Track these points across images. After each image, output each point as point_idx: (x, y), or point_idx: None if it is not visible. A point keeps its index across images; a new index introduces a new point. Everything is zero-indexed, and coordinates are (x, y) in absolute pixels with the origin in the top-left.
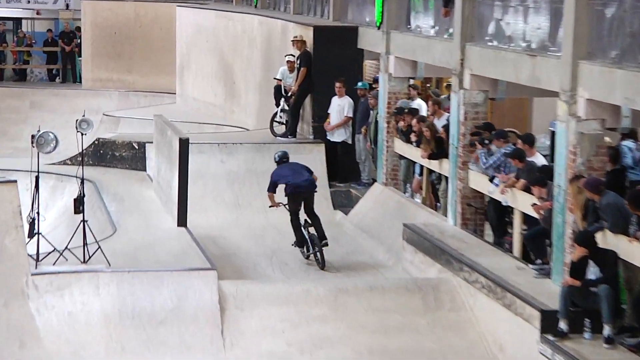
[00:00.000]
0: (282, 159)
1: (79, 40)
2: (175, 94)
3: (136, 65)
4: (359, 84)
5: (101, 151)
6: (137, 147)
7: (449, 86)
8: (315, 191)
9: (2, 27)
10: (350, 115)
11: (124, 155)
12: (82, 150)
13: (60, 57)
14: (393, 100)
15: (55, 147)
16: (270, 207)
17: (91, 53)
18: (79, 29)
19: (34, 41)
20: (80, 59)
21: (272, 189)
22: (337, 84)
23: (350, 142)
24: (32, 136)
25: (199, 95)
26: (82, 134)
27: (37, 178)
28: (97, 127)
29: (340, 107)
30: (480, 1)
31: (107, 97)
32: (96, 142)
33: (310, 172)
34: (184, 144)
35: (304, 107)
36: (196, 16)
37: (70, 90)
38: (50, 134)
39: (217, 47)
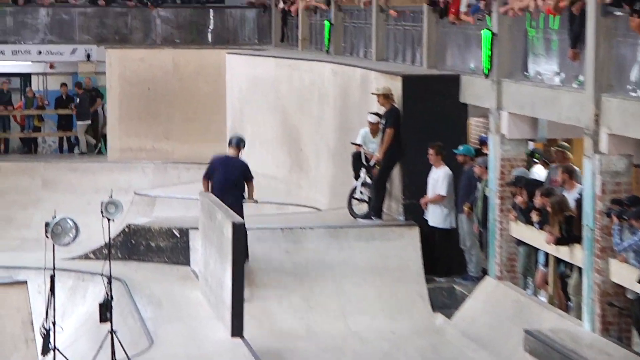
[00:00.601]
0: (233, 143)
1: (103, 101)
2: None
3: (175, 129)
4: (461, 148)
5: (133, 241)
6: (178, 235)
7: (562, 149)
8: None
9: (7, 85)
10: (444, 193)
11: (161, 245)
12: (109, 241)
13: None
14: (507, 169)
15: (74, 238)
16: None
17: (119, 115)
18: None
19: (46, 102)
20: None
21: (206, 176)
22: (431, 151)
23: (452, 226)
24: (46, 224)
25: (257, 167)
26: (108, 220)
27: (52, 278)
28: (127, 210)
29: (434, 180)
30: (620, 40)
31: (140, 171)
32: (126, 229)
33: (241, 186)
34: (239, 230)
35: (391, 179)
36: (251, 65)
37: (92, 163)
38: (69, 221)
39: (278, 105)
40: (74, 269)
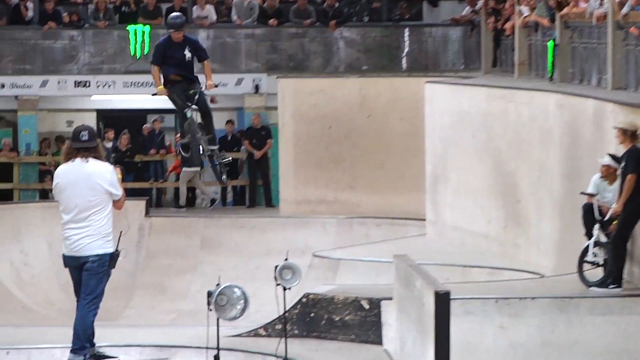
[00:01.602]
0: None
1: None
2: (424, 220)
3: (363, 177)
4: None
5: (312, 314)
6: (367, 307)
7: None
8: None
9: (159, 124)
10: None
11: (347, 320)
12: (284, 314)
13: (247, 169)
14: None
15: (243, 310)
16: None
17: (294, 160)
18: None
19: None
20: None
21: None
22: None
23: None
24: (208, 293)
25: (463, 223)
26: (284, 289)
27: (216, 359)
28: (304, 276)
29: None
30: None
31: (319, 228)
32: (304, 299)
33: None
34: (443, 301)
35: (634, 238)
36: (456, 97)
37: (262, 219)
38: (236, 290)
39: (490, 146)
40: (241, 348)
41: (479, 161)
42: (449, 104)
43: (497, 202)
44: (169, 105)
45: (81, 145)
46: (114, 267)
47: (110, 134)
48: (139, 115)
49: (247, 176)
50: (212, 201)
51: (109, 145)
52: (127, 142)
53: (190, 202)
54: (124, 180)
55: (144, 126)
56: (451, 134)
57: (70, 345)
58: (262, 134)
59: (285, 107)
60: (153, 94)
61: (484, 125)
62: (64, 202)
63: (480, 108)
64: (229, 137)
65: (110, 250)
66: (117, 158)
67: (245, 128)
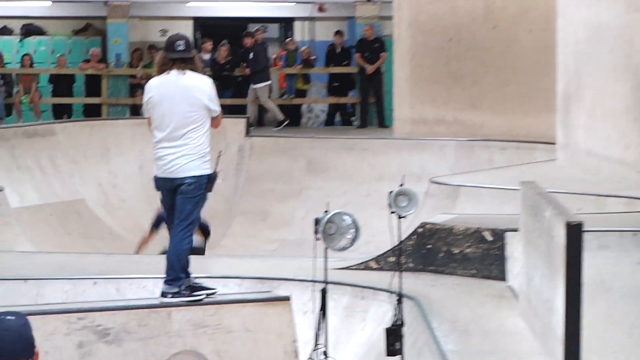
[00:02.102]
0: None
1: (387, 56)
2: (554, 144)
3: (487, 95)
4: None
5: (429, 246)
6: (490, 239)
7: None
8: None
9: (261, 34)
10: None
11: (467, 253)
12: (399, 245)
13: (358, 85)
14: None
15: (353, 241)
16: None
17: (410, 76)
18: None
19: (313, 57)
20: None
21: None
22: None
23: None
24: (315, 221)
25: (598, 147)
26: (399, 217)
27: (323, 293)
28: (421, 204)
29: None
30: None
31: (437, 151)
32: (420, 229)
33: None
34: (575, 234)
35: None
36: (593, 7)
37: (374, 140)
38: (346, 218)
39: (630, 62)
40: (350, 282)
41: (617, 79)
42: (584, 15)
43: (636, 125)
44: (273, 13)
45: (177, 56)
46: (211, 190)
47: (208, 45)
48: (240, 25)
49: (358, 93)
50: (280, 123)
51: (206, 57)
52: (226, 54)
53: (295, 121)
54: (221, 96)
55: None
56: (586, 49)
57: (164, 275)
58: (375, 47)
59: (401, 16)
60: None
61: (623, 39)
62: (158, 118)
63: (619, 20)
64: (338, 50)
65: (208, 171)
66: (214, 71)
67: (356, 40)
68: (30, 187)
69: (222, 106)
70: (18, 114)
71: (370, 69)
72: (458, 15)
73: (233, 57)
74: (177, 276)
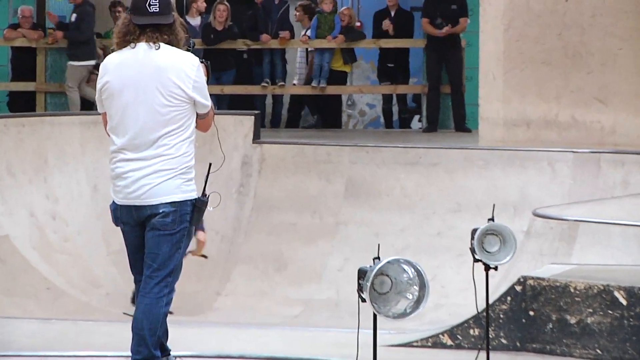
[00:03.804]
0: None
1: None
2: None
3: (622, 85)
4: None
5: (530, 312)
6: (625, 303)
7: None
8: None
9: None
10: None
11: (590, 323)
12: (486, 310)
13: (424, 66)
14: None
15: (418, 303)
16: None
17: (504, 54)
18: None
19: (358, 23)
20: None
21: None
22: None
23: None
24: (360, 273)
25: None
26: (486, 268)
27: None
28: (520, 247)
29: None
30: None
31: (545, 169)
32: (518, 287)
33: None
34: None
35: None
36: None
37: (447, 151)
38: (407, 269)
39: None
40: None
41: None
42: None
43: None
44: None
45: (148, 21)
46: (197, 223)
47: (200, 3)
48: None
49: (425, 79)
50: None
51: (195, 21)
52: (226, 17)
53: (330, 120)
54: (218, 81)
55: None
56: None
57: (130, 353)
58: (451, 9)
59: None
60: None
61: None
62: (117, 116)
63: None
64: (393, 13)
65: (193, 195)
66: (208, 44)
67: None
68: None
69: (219, 97)
70: None
71: (444, 31)
72: None
73: (235, 21)
74: (150, 354)
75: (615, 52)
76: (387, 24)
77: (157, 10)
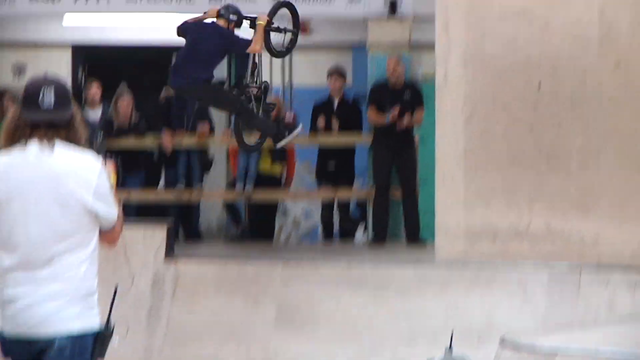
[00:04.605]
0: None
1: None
2: None
3: (607, 188)
4: None
5: None
6: None
7: None
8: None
9: None
10: None
11: None
12: None
13: (370, 164)
14: None
15: None
16: None
17: (465, 150)
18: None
19: (289, 114)
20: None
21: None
22: None
23: None
24: None
25: None
26: None
27: None
28: None
29: None
30: None
31: (515, 289)
32: None
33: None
34: None
35: None
36: None
37: (401, 268)
38: None
39: None
40: None
41: None
42: None
43: None
44: None
45: (42, 118)
46: (102, 356)
47: (96, 92)
48: (157, 55)
49: (372, 181)
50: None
51: (96, 114)
52: (131, 109)
53: (261, 231)
54: (121, 185)
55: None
56: None
57: None
58: (404, 99)
59: (450, 43)
60: None
61: None
62: (5, 230)
63: None
64: (335, 104)
65: (96, 325)
66: (110, 140)
67: (370, 86)
68: None
69: (126, 206)
70: None
71: (391, 118)
72: (552, 42)
73: (143, 113)
74: None
75: (597, 150)
76: (322, 122)
77: (52, 104)
